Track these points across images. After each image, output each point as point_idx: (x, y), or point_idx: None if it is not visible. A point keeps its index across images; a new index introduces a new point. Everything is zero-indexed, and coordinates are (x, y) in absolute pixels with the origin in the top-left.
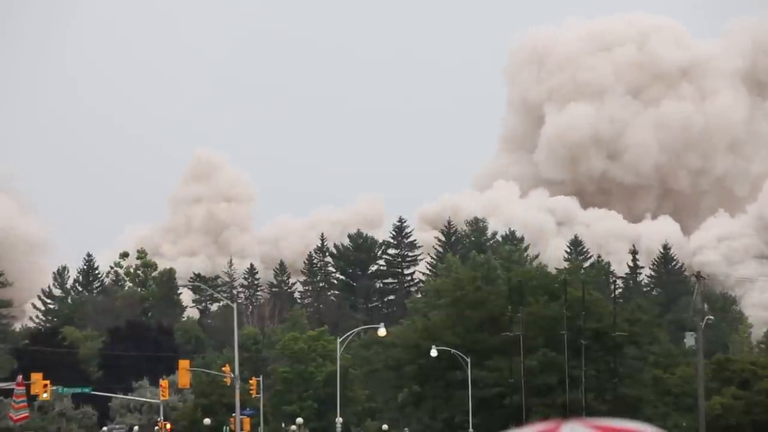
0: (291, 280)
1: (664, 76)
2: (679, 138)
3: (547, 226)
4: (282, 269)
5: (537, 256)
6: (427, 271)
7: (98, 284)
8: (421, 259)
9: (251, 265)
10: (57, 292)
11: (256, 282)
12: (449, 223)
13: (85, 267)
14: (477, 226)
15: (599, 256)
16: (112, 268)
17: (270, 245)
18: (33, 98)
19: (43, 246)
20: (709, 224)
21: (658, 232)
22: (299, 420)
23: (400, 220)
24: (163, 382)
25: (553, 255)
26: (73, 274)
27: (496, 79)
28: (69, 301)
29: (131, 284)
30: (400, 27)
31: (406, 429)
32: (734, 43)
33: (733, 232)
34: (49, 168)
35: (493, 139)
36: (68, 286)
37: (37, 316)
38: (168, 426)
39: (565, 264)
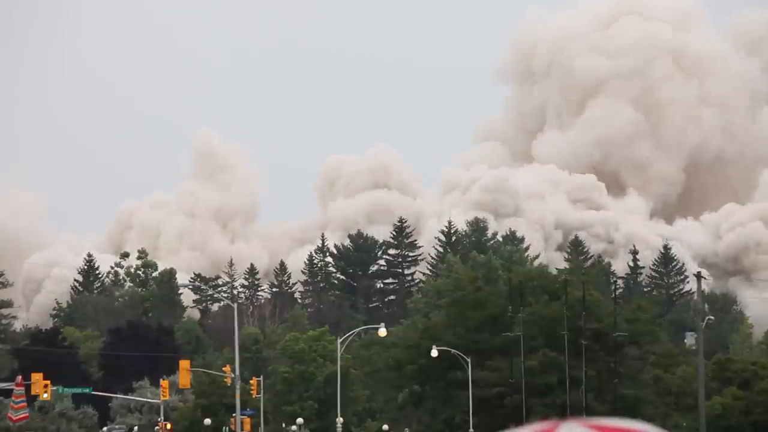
0: (291, 280)
1: (676, 75)
2: (693, 155)
3: (545, 190)
4: (282, 269)
5: (538, 256)
6: (428, 271)
7: (98, 284)
8: (422, 259)
9: (251, 265)
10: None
11: (256, 282)
12: (449, 223)
13: (85, 267)
14: (477, 225)
15: (599, 256)
16: (112, 268)
17: (270, 245)
18: (32, 102)
19: (43, 246)
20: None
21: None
22: (300, 420)
23: (401, 220)
24: (164, 383)
25: (553, 211)
26: (73, 274)
27: (491, 82)
28: (69, 300)
29: (132, 284)
30: (399, 27)
31: (406, 429)
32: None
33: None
34: (49, 169)
35: (491, 145)
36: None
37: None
38: (168, 426)
39: (566, 256)
